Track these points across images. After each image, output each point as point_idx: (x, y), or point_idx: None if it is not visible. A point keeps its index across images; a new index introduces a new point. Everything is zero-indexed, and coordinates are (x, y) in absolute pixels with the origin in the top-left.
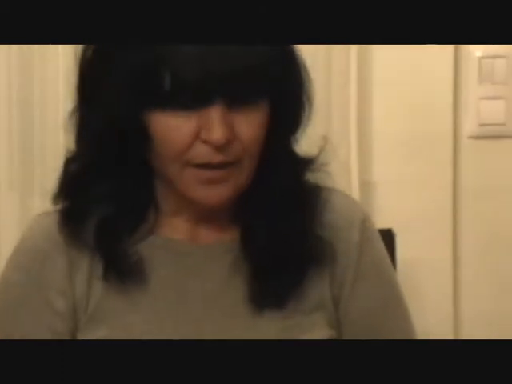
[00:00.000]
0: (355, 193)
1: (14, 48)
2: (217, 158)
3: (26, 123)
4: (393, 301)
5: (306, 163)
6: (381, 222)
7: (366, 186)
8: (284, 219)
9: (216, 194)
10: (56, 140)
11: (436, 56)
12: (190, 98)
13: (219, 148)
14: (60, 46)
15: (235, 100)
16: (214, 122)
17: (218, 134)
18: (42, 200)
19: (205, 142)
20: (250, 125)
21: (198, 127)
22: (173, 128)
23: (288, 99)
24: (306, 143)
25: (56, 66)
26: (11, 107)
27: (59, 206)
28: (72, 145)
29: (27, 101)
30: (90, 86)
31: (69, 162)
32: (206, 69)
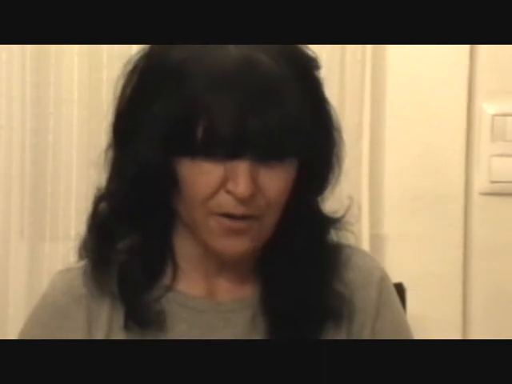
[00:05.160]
0: (365, 246)
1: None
2: (239, 210)
3: (39, 169)
4: None
5: (331, 222)
6: (391, 275)
7: (376, 239)
8: (304, 277)
9: (236, 245)
10: (68, 186)
11: (449, 113)
12: (222, 151)
13: (243, 201)
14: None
15: (264, 156)
16: (241, 176)
17: (243, 187)
18: (52, 246)
19: (229, 192)
20: (275, 180)
21: (225, 177)
22: (200, 175)
23: (318, 160)
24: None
25: (70, 124)
26: (24, 153)
27: (81, 262)
28: (101, 182)
29: (40, 145)
30: (125, 127)
31: (98, 201)
32: (241, 125)
